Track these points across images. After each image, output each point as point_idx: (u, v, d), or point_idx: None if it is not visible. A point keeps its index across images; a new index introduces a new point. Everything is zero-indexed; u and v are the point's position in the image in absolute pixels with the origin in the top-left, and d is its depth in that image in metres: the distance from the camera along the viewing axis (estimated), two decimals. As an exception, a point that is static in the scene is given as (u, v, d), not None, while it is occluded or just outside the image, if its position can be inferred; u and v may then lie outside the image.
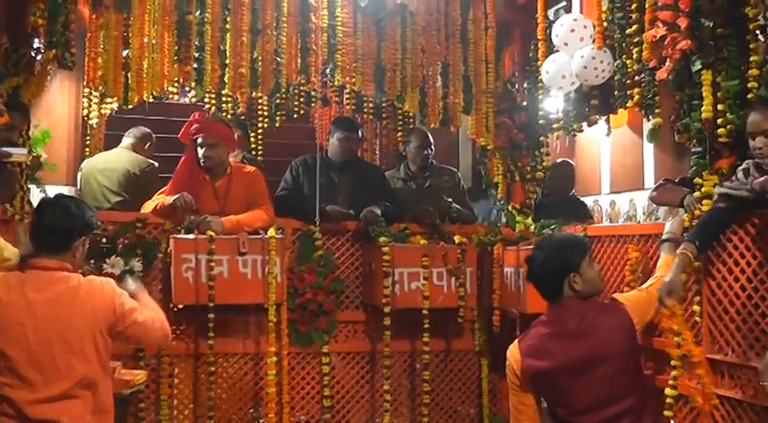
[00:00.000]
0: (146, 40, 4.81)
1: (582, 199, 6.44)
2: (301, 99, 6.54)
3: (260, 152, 6.68)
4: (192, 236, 4.37)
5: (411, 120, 6.74)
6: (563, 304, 3.22)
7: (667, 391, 3.58)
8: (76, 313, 3.01)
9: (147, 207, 4.65)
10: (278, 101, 6.59)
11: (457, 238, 4.79)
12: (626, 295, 3.45)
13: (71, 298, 3.03)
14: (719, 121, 3.44)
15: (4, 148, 3.82)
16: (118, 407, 3.31)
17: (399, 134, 6.75)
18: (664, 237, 3.56)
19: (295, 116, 6.72)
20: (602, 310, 3.23)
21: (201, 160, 4.68)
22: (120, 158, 5.74)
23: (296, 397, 4.73)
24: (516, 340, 3.31)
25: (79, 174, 5.76)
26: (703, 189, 3.48)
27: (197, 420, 4.59)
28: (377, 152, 7.43)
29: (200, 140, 4.66)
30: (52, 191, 4.47)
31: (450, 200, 5.17)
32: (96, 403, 3.05)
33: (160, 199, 4.60)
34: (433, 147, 5.51)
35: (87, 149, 6.32)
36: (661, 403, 3.59)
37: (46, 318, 2.97)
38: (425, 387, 4.76)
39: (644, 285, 3.50)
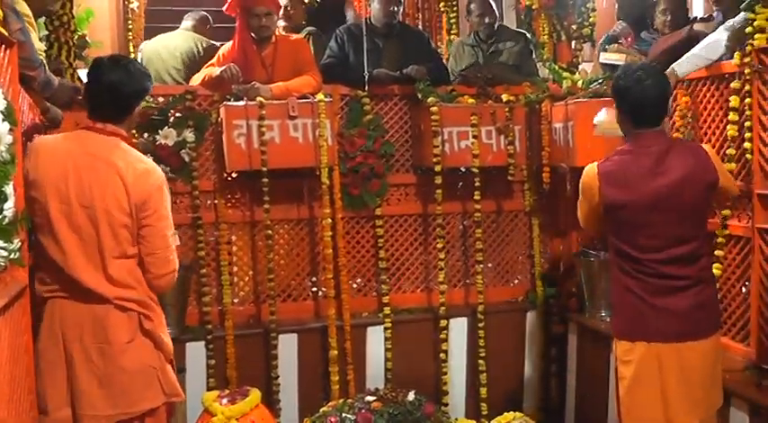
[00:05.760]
0: None
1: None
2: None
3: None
4: (242, 103, 4.40)
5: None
6: (648, 135, 3.02)
7: (717, 231, 3.65)
8: (114, 183, 2.83)
9: (195, 80, 4.70)
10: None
11: (504, 97, 4.76)
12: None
13: (115, 167, 2.84)
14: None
15: None
16: (181, 273, 3.26)
17: (441, 4, 6.66)
18: None
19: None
20: (687, 149, 3.07)
21: (259, 31, 4.68)
22: (184, 38, 5.77)
23: (351, 261, 4.83)
24: (595, 163, 3.11)
25: (139, 55, 5.79)
26: (756, 23, 3.42)
27: (257, 287, 4.73)
28: (419, 26, 7.31)
29: (255, 11, 4.64)
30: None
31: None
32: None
33: (208, 71, 4.64)
34: (495, 12, 5.44)
35: (130, 33, 6.38)
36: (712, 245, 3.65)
37: (89, 180, 2.81)
38: (478, 245, 4.81)
39: None
